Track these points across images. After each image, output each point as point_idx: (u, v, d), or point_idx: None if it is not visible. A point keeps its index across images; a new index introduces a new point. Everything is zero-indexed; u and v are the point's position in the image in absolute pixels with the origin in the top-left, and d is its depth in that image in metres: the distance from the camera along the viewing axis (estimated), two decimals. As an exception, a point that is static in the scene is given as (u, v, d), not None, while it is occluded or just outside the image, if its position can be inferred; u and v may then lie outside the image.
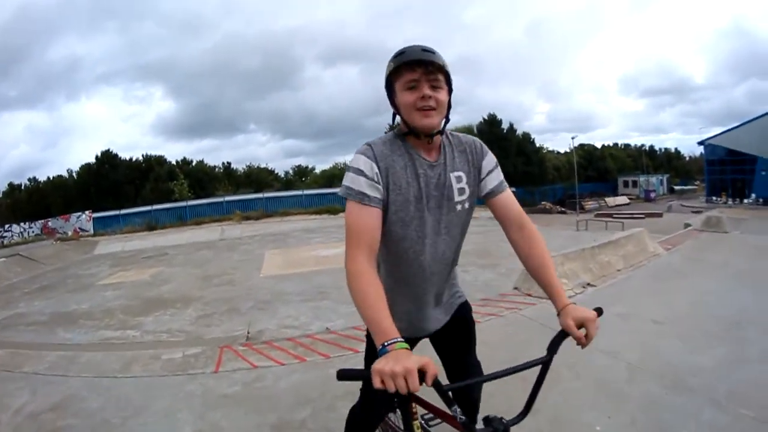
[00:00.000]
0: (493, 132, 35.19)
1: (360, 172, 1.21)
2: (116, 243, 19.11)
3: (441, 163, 1.31)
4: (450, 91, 1.27)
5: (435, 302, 1.43)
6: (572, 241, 10.59)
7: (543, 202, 33.06)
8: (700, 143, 35.78)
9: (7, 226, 28.01)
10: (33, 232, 27.71)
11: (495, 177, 1.37)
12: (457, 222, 1.35)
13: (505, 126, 36.85)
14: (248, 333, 4.99)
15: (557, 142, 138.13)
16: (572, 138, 40.36)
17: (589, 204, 34.43)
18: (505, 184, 1.38)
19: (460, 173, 1.32)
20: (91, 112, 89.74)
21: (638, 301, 4.77)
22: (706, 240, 9.20)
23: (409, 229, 1.28)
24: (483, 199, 1.37)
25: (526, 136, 38.41)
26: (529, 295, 5.06)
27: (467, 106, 72.63)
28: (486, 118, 36.92)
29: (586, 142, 52.76)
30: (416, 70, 1.20)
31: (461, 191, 1.32)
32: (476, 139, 1.40)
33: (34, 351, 4.65)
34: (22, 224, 28.22)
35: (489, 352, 3.27)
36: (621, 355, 3.28)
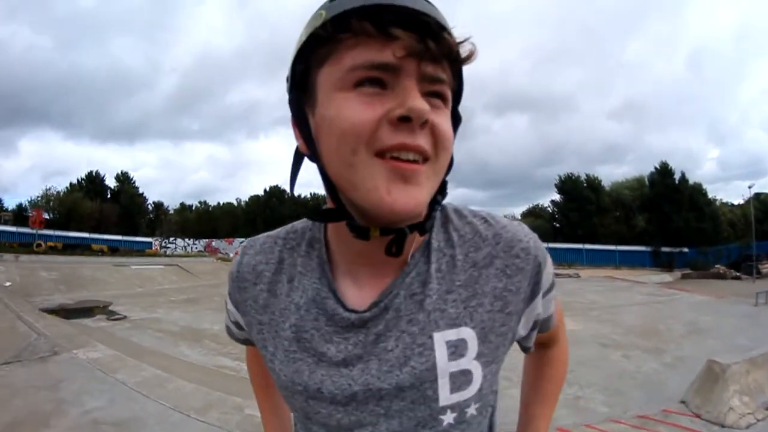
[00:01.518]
0: (665, 183, 31.48)
1: (227, 303, 0.67)
2: (274, 273, 20.82)
3: (393, 308, 0.51)
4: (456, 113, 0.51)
5: None
6: (750, 322, 8.47)
7: (717, 266, 27.25)
8: None
9: (171, 238, 33.49)
10: (196, 248, 32.55)
11: (548, 313, 0.62)
12: None
13: (676, 176, 32.62)
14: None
15: (728, 192, 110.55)
16: (749, 187, 32.24)
17: (767, 267, 27.84)
18: (555, 318, 0.65)
19: (466, 331, 0.51)
20: (269, 149, 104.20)
21: None
22: None
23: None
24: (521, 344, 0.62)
25: (697, 187, 33.46)
26: (699, 416, 3.69)
27: (635, 154, 66.17)
28: (658, 167, 33.08)
29: (759, 190, 43.33)
30: (392, 42, 0.42)
31: (461, 379, 0.51)
32: (525, 229, 0.57)
33: (137, 360, 4.85)
34: (186, 240, 33.42)
35: None
36: None
